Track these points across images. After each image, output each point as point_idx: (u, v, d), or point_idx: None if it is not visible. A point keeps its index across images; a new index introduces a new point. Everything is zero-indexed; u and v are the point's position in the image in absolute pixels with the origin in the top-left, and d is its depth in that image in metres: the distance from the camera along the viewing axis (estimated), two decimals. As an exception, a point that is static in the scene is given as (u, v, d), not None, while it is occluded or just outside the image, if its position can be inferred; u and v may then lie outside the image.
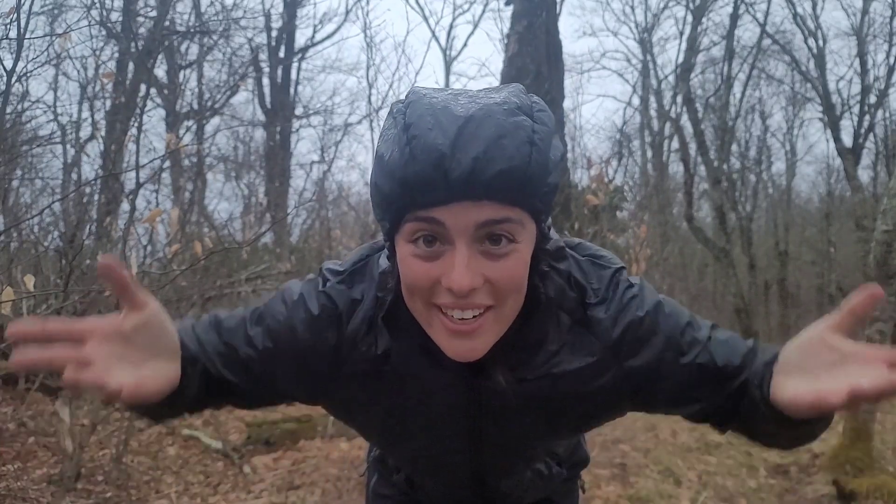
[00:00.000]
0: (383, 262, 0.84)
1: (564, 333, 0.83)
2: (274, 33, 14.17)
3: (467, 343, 0.73)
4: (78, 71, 7.95)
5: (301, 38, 15.09)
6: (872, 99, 14.28)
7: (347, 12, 15.66)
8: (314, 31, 16.53)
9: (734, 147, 17.52)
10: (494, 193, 0.66)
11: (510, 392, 0.82)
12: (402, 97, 0.73)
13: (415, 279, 0.72)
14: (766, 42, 15.42)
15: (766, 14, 14.60)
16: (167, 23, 8.89)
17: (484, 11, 19.40)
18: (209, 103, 11.76)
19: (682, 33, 15.88)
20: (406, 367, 0.84)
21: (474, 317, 0.72)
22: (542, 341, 0.82)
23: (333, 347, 0.85)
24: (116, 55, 8.10)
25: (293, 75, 14.81)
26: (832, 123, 13.78)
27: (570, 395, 0.85)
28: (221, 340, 0.87)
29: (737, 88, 16.01)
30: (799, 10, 14.39)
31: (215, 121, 12.24)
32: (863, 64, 14.22)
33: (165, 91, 10.00)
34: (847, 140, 13.84)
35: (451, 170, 0.64)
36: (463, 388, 0.84)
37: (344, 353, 0.85)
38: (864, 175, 15.71)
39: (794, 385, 0.71)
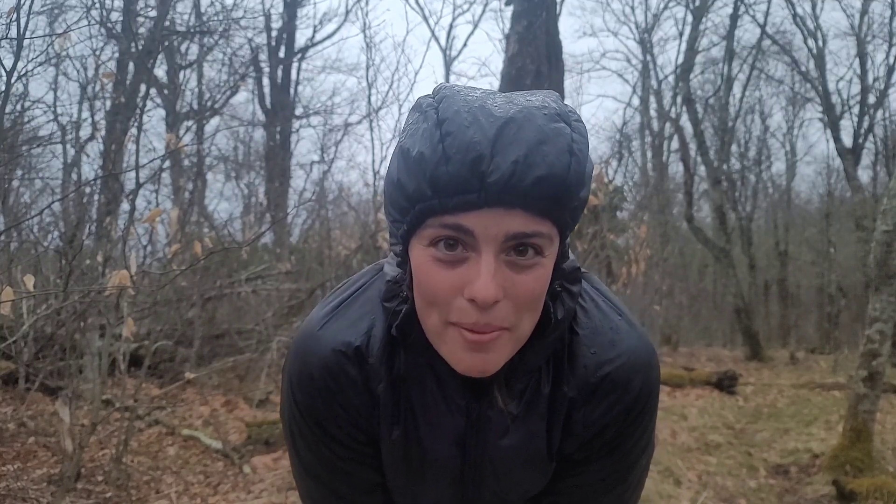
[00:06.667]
0: (389, 270, 0.76)
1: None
2: (274, 33, 14.20)
3: (480, 356, 0.67)
4: (78, 71, 7.98)
5: (301, 39, 15.16)
6: (872, 99, 14.32)
7: (347, 12, 15.77)
8: (314, 32, 16.65)
9: (734, 147, 17.60)
10: (530, 202, 0.61)
11: (507, 421, 0.78)
12: (430, 92, 0.67)
13: (435, 287, 0.66)
14: (766, 42, 15.50)
15: (766, 14, 14.69)
16: (167, 23, 8.88)
17: (484, 11, 19.56)
18: (209, 103, 11.77)
19: (681, 34, 15.96)
20: (416, 387, 0.79)
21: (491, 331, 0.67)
22: (538, 369, 0.78)
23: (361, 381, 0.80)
24: (116, 55, 8.10)
25: (293, 75, 14.87)
26: (832, 123, 13.79)
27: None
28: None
29: (737, 89, 16.09)
30: (799, 10, 14.46)
31: (215, 121, 12.29)
32: (862, 64, 14.25)
33: (165, 91, 9.99)
34: (847, 140, 13.88)
35: (488, 173, 0.59)
36: (464, 415, 0.80)
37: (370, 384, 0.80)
38: (864, 175, 15.78)
39: None
